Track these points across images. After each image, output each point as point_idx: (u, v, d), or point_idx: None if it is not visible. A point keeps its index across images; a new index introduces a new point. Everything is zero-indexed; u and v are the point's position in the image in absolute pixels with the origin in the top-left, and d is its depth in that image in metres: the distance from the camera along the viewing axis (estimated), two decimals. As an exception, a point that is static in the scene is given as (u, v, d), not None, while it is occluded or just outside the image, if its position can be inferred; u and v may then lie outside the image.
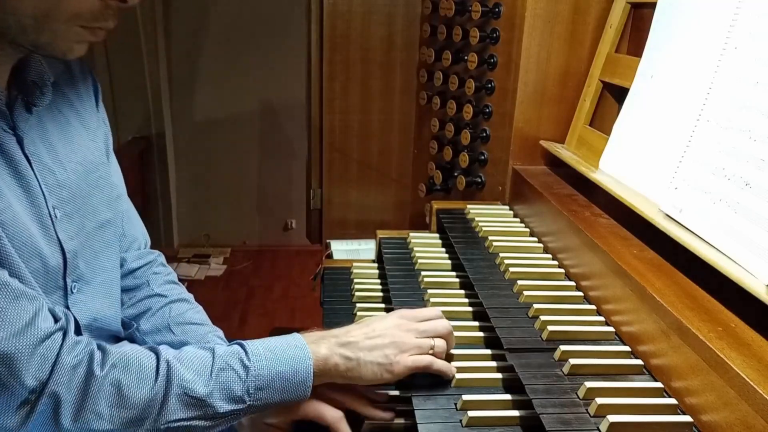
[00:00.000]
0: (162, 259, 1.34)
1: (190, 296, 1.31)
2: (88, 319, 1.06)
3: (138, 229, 1.31)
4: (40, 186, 0.95)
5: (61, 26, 0.85)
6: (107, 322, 1.11)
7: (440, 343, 1.02)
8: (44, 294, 0.95)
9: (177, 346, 1.16)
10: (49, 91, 0.98)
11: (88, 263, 1.05)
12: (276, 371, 0.92)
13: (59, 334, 0.86)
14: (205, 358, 0.92)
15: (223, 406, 0.90)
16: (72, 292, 1.02)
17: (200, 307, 1.29)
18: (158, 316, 1.23)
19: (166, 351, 0.92)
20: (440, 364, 1.01)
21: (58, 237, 0.97)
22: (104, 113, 1.18)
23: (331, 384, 1.00)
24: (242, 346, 0.95)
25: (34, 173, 0.94)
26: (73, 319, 0.93)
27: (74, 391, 0.84)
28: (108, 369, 0.87)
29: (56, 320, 0.88)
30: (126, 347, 0.92)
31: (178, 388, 0.88)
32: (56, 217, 0.97)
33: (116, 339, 1.16)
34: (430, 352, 1.01)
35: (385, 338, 0.98)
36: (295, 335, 0.98)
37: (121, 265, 1.22)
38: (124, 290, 1.23)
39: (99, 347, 0.89)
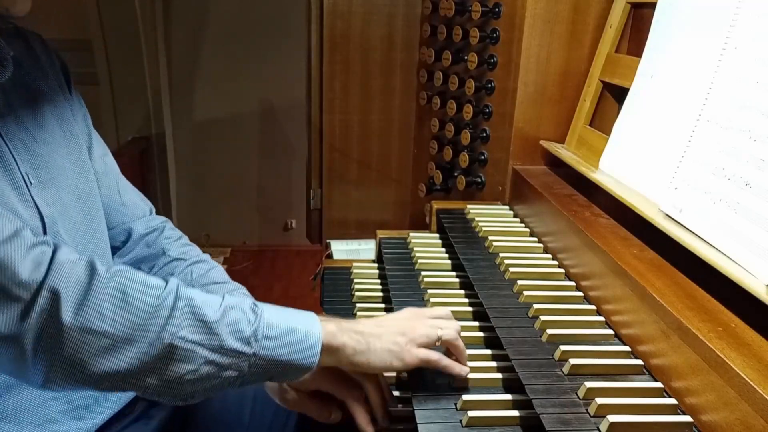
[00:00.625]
0: (170, 224, 1.33)
1: (207, 256, 1.32)
2: None
3: (137, 197, 1.31)
4: (11, 153, 0.95)
5: None
6: None
7: (448, 332, 1.00)
8: None
9: None
10: (10, 65, 0.98)
11: (67, 232, 1.04)
12: (285, 325, 0.89)
13: (49, 246, 0.82)
14: (216, 296, 0.89)
15: (230, 342, 0.84)
16: None
17: (220, 266, 1.30)
18: (181, 279, 1.23)
19: (175, 279, 0.89)
20: (447, 362, 0.99)
21: (34, 201, 0.98)
22: (79, 96, 1.19)
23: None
24: (251, 301, 0.92)
25: (3, 140, 0.95)
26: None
27: (74, 286, 0.79)
28: (112, 273, 0.83)
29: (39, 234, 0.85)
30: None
31: (186, 305, 0.84)
32: (30, 183, 0.98)
33: None
34: (439, 342, 0.99)
35: (395, 327, 0.97)
36: (306, 311, 0.96)
37: (129, 236, 1.23)
38: (143, 260, 1.24)
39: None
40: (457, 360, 1.01)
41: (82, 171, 1.12)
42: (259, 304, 0.92)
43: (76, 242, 1.06)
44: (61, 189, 1.05)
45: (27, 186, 0.97)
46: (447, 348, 1.01)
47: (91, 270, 0.82)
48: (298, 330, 0.89)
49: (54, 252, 0.81)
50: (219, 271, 1.28)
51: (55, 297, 0.78)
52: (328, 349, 0.91)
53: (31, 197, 0.97)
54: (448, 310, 1.09)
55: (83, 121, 1.19)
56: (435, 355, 0.98)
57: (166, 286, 0.85)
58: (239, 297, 0.93)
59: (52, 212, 1.01)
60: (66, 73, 1.16)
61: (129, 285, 0.83)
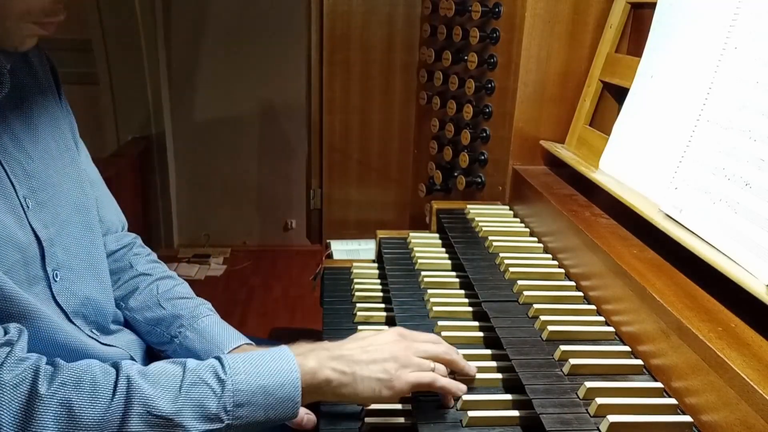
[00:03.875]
0: (140, 241, 1.34)
1: (174, 273, 1.32)
2: (76, 306, 1.05)
3: (114, 214, 1.31)
4: (8, 177, 0.94)
5: (12, 24, 0.86)
6: (98, 305, 1.11)
7: (440, 368, 0.96)
8: (27, 285, 0.94)
9: (169, 320, 1.17)
10: (7, 81, 0.97)
11: (67, 250, 1.04)
12: (257, 385, 0.84)
13: (4, 350, 0.80)
14: (175, 373, 0.84)
15: (196, 426, 0.81)
16: (55, 280, 1.01)
17: (186, 283, 1.29)
18: (146, 293, 1.23)
19: (128, 366, 0.84)
20: (444, 381, 0.94)
21: (31, 226, 0.97)
22: (67, 103, 1.17)
23: None
24: (219, 359, 0.87)
25: (2, 165, 0.93)
26: (26, 335, 0.86)
27: (15, 412, 0.76)
28: (56, 387, 0.79)
29: (5, 333, 0.83)
30: (82, 362, 0.84)
31: (139, 407, 0.79)
32: (28, 207, 0.97)
33: (112, 322, 1.16)
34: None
35: (383, 352, 0.91)
36: (282, 347, 0.91)
37: None
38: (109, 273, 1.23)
39: (51, 363, 0.82)
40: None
41: (79, 183, 1.11)
42: (226, 360, 0.85)
43: (76, 258, 1.06)
44: (59, 206, 1.04)
45: (24, 211, 0.96)
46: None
47: (33, 390, 0.77)
48: (273, 386, 0.84)
49: (3, 362, 0.78)
50: (184, 287, 1.28)
51: None
52: (308, 390, 0.87)
53: (28, 222, 0.96)
54: (436, 336, 1.04)
55: (71, 128, 1.17)
56: (428, 377, 0.93)
57: (116, 386, 0.80)
58: (204, 362, 0.86)
59: (50, 233, 1.00)
60: (55, 76, 1.15)
61: (75, 396, 0.78)
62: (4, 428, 0.75)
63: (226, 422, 0.82)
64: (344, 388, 0.89)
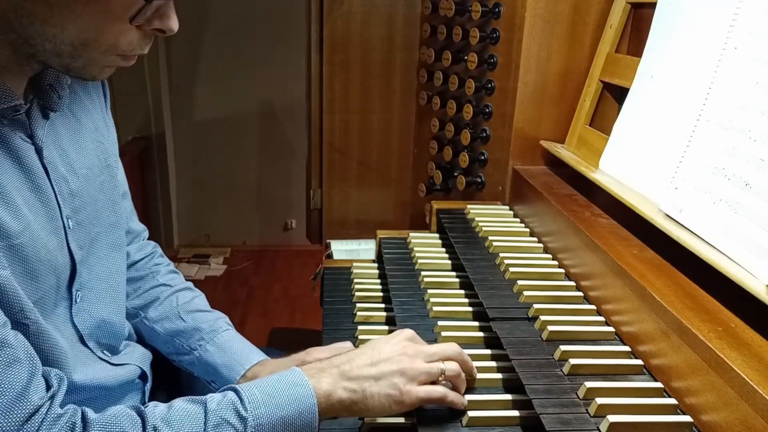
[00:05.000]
0: (159, 250, 1.36)
1: (191, 284, 1.34)
2: (91, 328, 1.05)
3: (137, 222, 1.32)
4: (56, 197, 0.93)
5: (98, 55, 0.84)
6: (112, 328, 1.10)
7: (451, 366, 0.95)
8: (52, 308, 0.93)
9: (189, 332, 1.20)
10: (66, 95, 0.95)
11: (91, 270, 1.03)
12: (278, 416, 0.85)
13: (46, 406, 0.80)
14: (197, 416, 0.84)
15: None
16: (76, 302, 1.00)
17: (203, 295, 1.33)
18: (166, 304, 1.26)
19: (152, 412, 0.84)
20: (452, 397, 0.93)
21: (69, 248, 0.96)
22: (111, 118, 1.16)
23: None
24: (237, 392, 0.87)
25: (51, 184, 0.92)
26: (65, 384, 0.87)
27: None
28: None
29: (48, 387, 0.83)
30: (109, 412, 0.84)
31: None
32: (69, 227, 0.95)
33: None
34: (442, 379, 0.93)
35: (392, 364, 0.91)
36: (294, 370, 0.91)
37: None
38: (129, 281, 1.23)
39: (83, 417, 0.82)
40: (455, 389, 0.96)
41: (113, 202, 1.10)
42: (244, 394, 0.86)
43: (97, 279, 1.05)
44: (92, 225, 1.03)
45: (66, 231, 0.95)
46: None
47: None
48: (292, 416, 0.86)
49: (43, 420, 0.79)
50: (202, 300, 1.31)
51: None
52: (323, 412, 0.88)
53: (67, 243, 0.95)
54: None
55: (113, 143, 1.14)
56: (438, 393, 0.92)
57: None
58: (223, 399, 0.87)
59: (82, 254, 0.99)
60: (105, 93, 1.13)
61: None
62: None
63: None
64: (355, 406, 0.90)
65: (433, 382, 0.93)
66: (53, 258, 0.91)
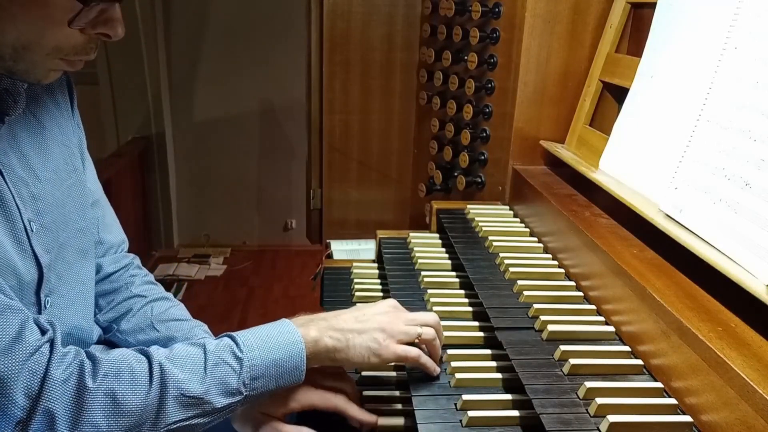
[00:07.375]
0: (137, 261, 1.31)
1: (170, 294, 1.30)
2: (62, 334, 1.00)
3: (114, 234, 1.27)
4: (14, 199, 0.91)
5: (41, 58, 0.84)
6: (82, 334, 1.09)
7: (428, 331, 1.03)
8: None
9: (163, 342, 1.13)
10: (23, 99, 0.94)
11: (60, 276, 1.02)
12: (270, 359, 0.92)
13: (47, 347, 0.84)
14: (197, 356, 0.91)
15: (221, 401, 0.90)
16: (45, 307, 0.99)
17: (182, 304, 1.28)
18: (140, 315, 1.21)
19: (156, 352, 0.90)
20: (426, 360, 1.02)
21: (33, 251, 0.95)
22: (78, 117, 1.15)
23: (323, 375, 1.02)
24: (232, 338, 0.94)
25: (8, 186, 0.91)
26: (58, 326, 0.89)
27: (68, 406, 0.82)
28: (100, 379, 0.85)
29: (43, 332, 0.85)
30: (115, 353, 0.90)
31: (174, 390, 0.87)
32: (32, 230, 0.94)
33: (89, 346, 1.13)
34: (417, 340, 1.02)
35: (374, 323, 0.99)
36: (284, 320, 0.98)
37: (97, 271, 1.19)
38: (102, 295, 1.21)
39: (89, 356, 0.87)
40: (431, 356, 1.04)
41: (81, 206, 1.08)
42: (239, 339, 0.93)
43: (67, 285, 1.04)
44: (60, 229, 1.01)
45: (28, 235, 0.94)
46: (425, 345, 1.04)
47: (81, 383, 0.84)
48: (283, 358, 0.93)
49: (50, 357, 0.83)
50: (180, 309, 1.26)
51: (50, 417, 0.81)
52: (310, 357, 0.95)
53: (31, 246, 0.94)
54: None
55: (80, 146, 1.13)
56: (413, 352, 1.01)
57: (151, 374, 0.87)
58: (220, 342, 0.94)
59: (49, 258, 0.98)
60: (70, 88, 1.12)
61: (118, 387, 0.85)
62: (59, 420, 0.82)
63: (245, 394, 0.91)
64: (338, 354, 0.97)
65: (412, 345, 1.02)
66: (10, 259, 0.90)
